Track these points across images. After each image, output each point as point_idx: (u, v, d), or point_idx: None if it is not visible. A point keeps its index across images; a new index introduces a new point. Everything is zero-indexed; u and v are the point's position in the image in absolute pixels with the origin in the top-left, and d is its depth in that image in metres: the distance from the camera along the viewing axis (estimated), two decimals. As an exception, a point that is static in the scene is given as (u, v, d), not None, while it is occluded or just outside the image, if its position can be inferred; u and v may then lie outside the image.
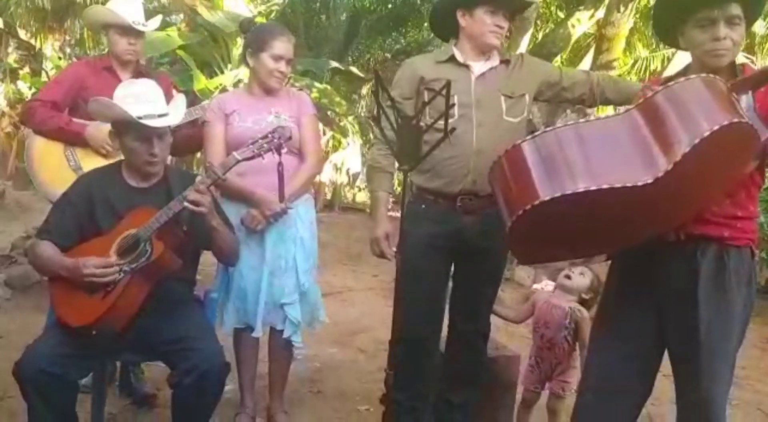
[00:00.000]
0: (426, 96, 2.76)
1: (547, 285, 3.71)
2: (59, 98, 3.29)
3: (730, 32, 2.10)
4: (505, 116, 2.82)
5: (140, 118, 2.48)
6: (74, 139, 3.23)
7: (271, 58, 3.03)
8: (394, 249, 2.78)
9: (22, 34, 12.98)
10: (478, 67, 2.85)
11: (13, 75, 14.11)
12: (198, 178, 2.54)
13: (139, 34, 3.34)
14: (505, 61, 2.92)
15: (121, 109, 2.50)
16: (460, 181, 2.80)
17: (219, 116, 3.09)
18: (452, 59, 2.87)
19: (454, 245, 2.88)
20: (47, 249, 2.52)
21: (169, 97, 2.75)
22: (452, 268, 3.03)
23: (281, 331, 3.07)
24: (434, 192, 2.86)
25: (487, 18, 2.78)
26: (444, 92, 2.26)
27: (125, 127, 2.55)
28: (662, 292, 2.20)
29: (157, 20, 3.57)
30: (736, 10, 2.09)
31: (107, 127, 3.08)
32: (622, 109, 2.45)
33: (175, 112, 2.63)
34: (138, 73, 3.35)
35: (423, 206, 2.89)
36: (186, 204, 2.43)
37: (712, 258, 2.13)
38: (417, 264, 2.75)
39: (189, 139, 3.26)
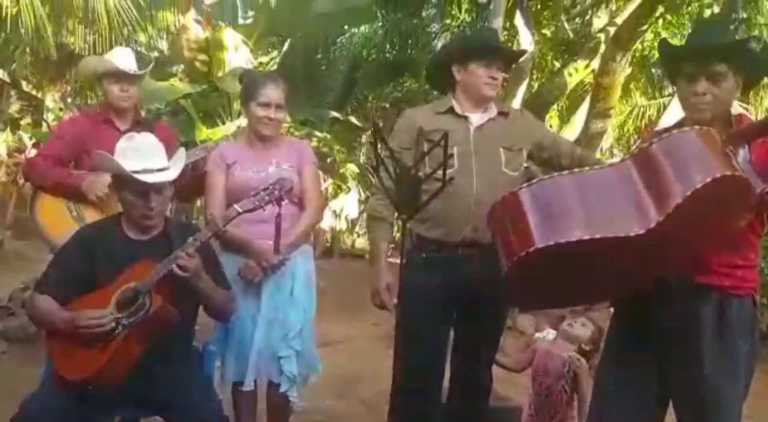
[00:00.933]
0: (425, 146, 2.79)
1: (549, 333, 3.70)
2: (60, 152, 3.31)
3: (711, 87, 2.12)
4: (504, 168, 2.84)
5: (138, 172, 2.49)
6: (73, 193, 3.23)
7: (258, 106, 3.06)
8: (395, 301, 2.78)
9: (24, 85, 13.13)
10: (477, 118, 2.89)
11: (14, 125, 14.24)
12: (199, 233, 2.54)
13: (131, 79, 3.36)
14: (503, 113, 2.95)
15: (117, 163, 2.52)
16: (461, 230, 2.80)
17: (220, 166, 3.11)
18: (451, 111, 2.90)
19: (455, 294, 2.87)
20: (45, 303, 2.50)
21: (170, 148, 2.76)
22: (453, 316, 3.01)
23: (278, 385, 3.03)
24: (435, 241, 2.85)
25: (481, 71, 2.83)
26: (442, 143, 2.28)
27: (123, 181, 2.56)
28: (664, 342, 2.19)
29: (149, 66, 3.63)
30: (718, 67, 2.12)
31: (106, 177, 3.09)
32: (617, 158, 2.48)
33: (174, 167, 2.65)
34: (137, 123, 3.38)
35: (423, 255, 2.89)
36: (173, 267, 2.42)
37: (713, 309, 2.12)
38: (417, 314, 2.73)
39: (192, 181, 3.27)
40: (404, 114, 3.09)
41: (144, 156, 2.54)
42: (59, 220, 3.21)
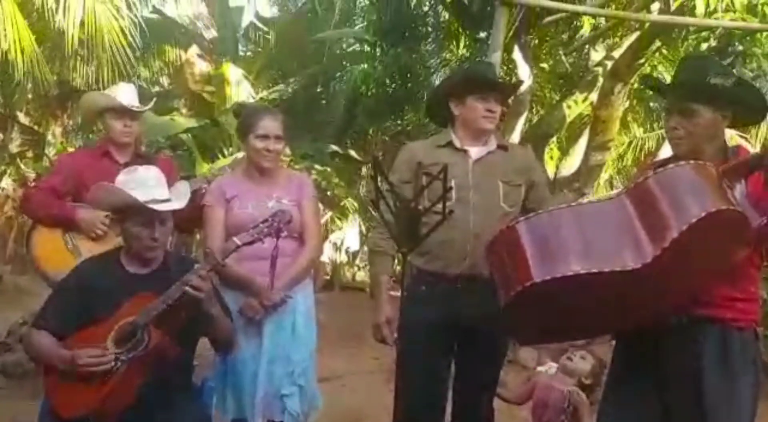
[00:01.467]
0: (424, 180, 2.80)
1: (550, 367, 3.68)
2: (57, 186, 3.30)
3: (683, 122, 2.17)
4: (502, 202, 2.84)
5: (146, 202, 2.49)
6: (67, 224, 3.21)
7: (257, 139, 3.06)
8: (396, 335, 2.76)
9: (25, 119, 13.23)
10: (476, 151, 2.89)
11: (15, 159, 14.31)
12: (198, 265, 2.53)
13: (134, 116, 3.38)
14: (502, 147, 2.96)
15: (125, 193, 2.52)
16: (458, 263, 2.79)
17: (219, 200, 3.10)
18: (450, 144, 2.91)
19: (455, 327, 2.85)
20: (42, 340, 2.49)
21: (171, 180, 2.77)
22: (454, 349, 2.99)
23: None
24: (434, 274, 2.84)
25: (479, 104, 2.84)
26: (441, 176, 2.29)
27: (127, 213, 2.56)
28: (666, 376, 2.17)
29: (150, 102, 3.64)
30: (687, 103, 2.16)
31: (100, 212, 3.07)
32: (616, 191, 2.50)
33: (178, 198, 2.65)
34: (136, 157, 3.39)
35: (423, 287, 2.87)
36: (187, 288, 2.41)
37: (714, 341, 2.11)
38: (417, 347, 2.72)
39: (191, 213, 3.26)
40: (404, 148, 3.11)
41: (148, 187, 2.55)
42: (55, 253, 3.19)
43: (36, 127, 13.32)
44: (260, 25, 12.97)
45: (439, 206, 2.31)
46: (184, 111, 11.12)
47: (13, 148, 14.04)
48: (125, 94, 3.40)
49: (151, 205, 2.51)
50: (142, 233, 2.55)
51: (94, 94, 3.64)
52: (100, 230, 3.17)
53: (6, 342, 5.60)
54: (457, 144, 2.90)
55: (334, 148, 12.01)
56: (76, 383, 2.38)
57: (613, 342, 2.47)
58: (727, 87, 2.16)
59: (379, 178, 2.42)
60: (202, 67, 10.91)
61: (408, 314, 2.61)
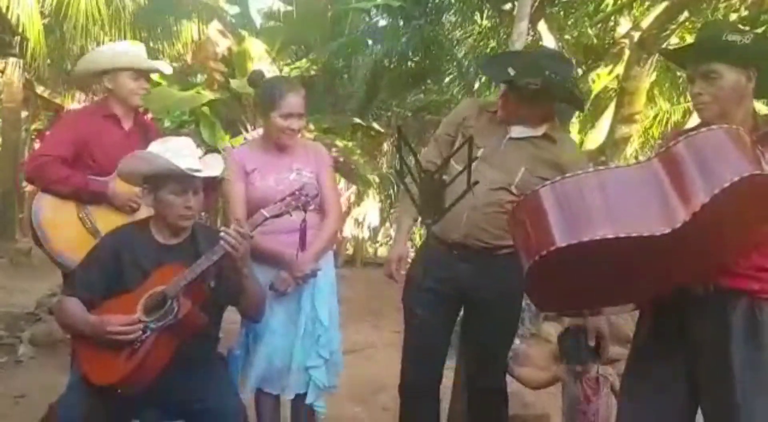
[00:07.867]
0: (460, 139, 2.79)
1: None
2: (67, 152, 3.11)
3: (706, 87, 2.12)
4: (513, 187, 2.74)
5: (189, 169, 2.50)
6: (93, 199, 3.09)
7: (280, 118, 2.94)
8: (403, 272, 2.89)
9: (48, 94, 13.30)
10: (518, 130, 2.81)
11: (39, 135, 14.47)
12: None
13: (148, 76, 3.28)
14: (550, 137, 2.83)
15: (165, 160, 2.50)
16: (452, 231, 2.78)
17: (239, 174, 3.00)
18: (497, 114, 2.86)
19: (454, 293, 2.86)
20: (73, 307, 2.51)
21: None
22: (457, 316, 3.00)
23: (304, 395, 3.00)
24: (436, 237, 2.81)
25: (525, 102, 2.74)
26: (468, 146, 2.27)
27: (163, 181, 2.54)
28: (693, 347, 2.15)
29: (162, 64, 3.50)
30: (707, 65, 2.11)
31: (130, 188, 3.02)
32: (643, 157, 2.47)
33: (214, 166, 2.66)
34: (140, 121, 3.32)
35: (427, 249, 2.91)
36: (224, 244, 2.42)
37: (743, 313, 2.08)
38: (416, 306, 2.79)
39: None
40: (462, 102, 3.22)
41: (183, 156, 2.54)
42: (75, 238, 3.03)
43: (59, 101, 13.40)
44: (281, -1, 12.88)
45: (464, 173, 2.28)
46: (205, 86, 11.09)
47: (36, 123, 14.18)
48: (141, 53, 3.26)
49: (190, 172, 2.50)
50: (177, 201, 2.54)
51: (110, 51, 3.33)
52: (136, 203, 3.09)
53: (35, 312, 5.70)
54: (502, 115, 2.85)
55: (357, 121, 11.97)
56: (106, 351, 2.40)
57: (636, 313, 2.44)
58: (746, 43, 2.10)
59: (403, 148, 2.40)
60: (223, 44, 10.83)
61: (412, 274, 2.63)
